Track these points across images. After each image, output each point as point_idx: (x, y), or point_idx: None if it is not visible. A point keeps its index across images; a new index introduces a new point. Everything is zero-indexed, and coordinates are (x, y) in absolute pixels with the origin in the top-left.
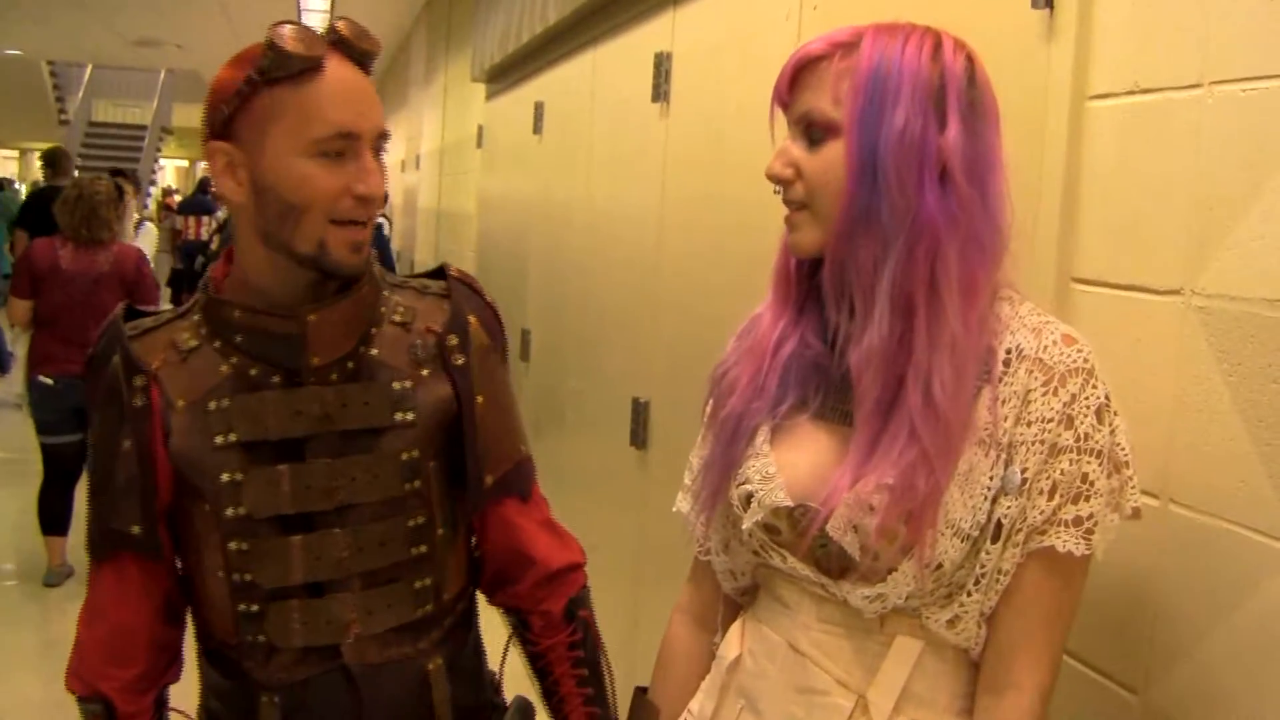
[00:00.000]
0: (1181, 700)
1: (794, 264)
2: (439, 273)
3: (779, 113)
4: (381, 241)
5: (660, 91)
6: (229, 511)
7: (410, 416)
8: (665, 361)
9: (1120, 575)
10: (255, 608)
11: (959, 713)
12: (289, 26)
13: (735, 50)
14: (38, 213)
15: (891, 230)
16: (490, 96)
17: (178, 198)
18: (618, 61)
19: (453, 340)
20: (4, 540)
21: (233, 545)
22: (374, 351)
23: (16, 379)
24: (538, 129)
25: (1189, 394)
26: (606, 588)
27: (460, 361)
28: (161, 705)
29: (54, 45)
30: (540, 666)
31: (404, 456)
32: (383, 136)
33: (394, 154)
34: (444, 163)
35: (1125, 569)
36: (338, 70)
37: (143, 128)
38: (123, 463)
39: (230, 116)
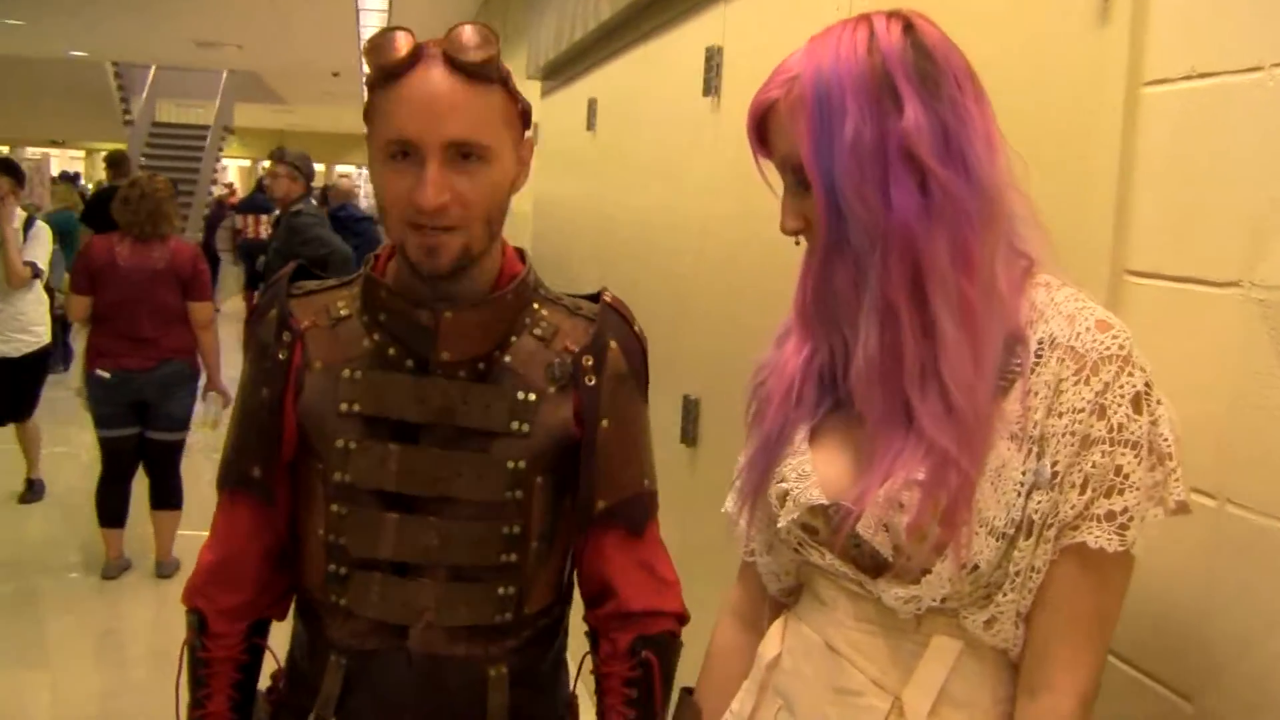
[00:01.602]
0: (1237, 708)
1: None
2: (596, 296)
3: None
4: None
5: (711, 85)
6: (337, 476)
7: (526, 428)
8: (716, 358)
9: (1174, 576)
10: (343, 570)
11: (1000, 716)
12: (384, 33)
13: (786, 43)
14: (101, 211)
15: (863, 250)
16: (545, 94)
17: (237, 197)
18: (669, 56)
19: (588, 361)
20: (67, 532)
21: (334, 508)
22: (508, 359)
23: (76, 374)
24: (591, 125)
25: (1247, 390)
26: None
27: (591, 382)
28: (255, 633)
29: (118, 47)
30: (599, 691)
31: (510, 465)
32: (459, 146)
33: None
34: None
35: (1179, 570)
36: (425, 77)
37: (205, 127)
38: (257, 409)
39: (366, 113)
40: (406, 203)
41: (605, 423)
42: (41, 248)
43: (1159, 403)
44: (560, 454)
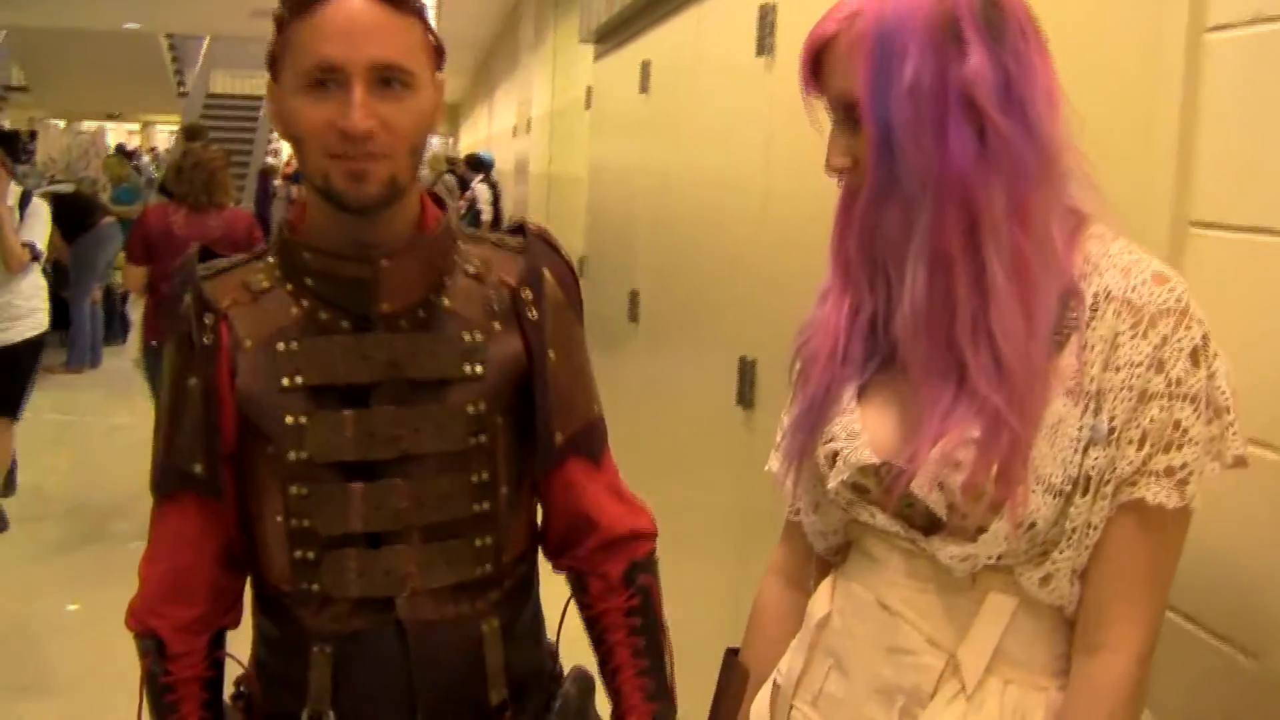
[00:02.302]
0: None
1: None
2: (518, 230)
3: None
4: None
5: (765, 45)
6: (291, 455)
7: (479, 369)
8: (773, 320)
9: (1237, 531)
10: (312, 555)
11: (1056, 673)
12: None
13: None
14: None
15: (914, 195)
16: (598, 57)
17: (293, 167)
18: (722, 15)
19: (527, 294)
20: (122, 502)
21: (293, 490)
22: (445, 301)
23: (134, 344)
24: (645, 88)
25: None
26: (710, 548)
27: (534, 316)
28: (215, 647)
29: (172, 18)
30: (596, 632)
31: (470, 410)
32: (381, 68)
33: (505, 120)
34: (554, 127)
35: (1242, 525)
36: (347, 5)
37: (259, 98)
38: (189, 401)
39: (271, 54)
40: (328, 130)
41: (552, 354)
42: (40, 227)
43: (1216, 356)
44: (515, 391)
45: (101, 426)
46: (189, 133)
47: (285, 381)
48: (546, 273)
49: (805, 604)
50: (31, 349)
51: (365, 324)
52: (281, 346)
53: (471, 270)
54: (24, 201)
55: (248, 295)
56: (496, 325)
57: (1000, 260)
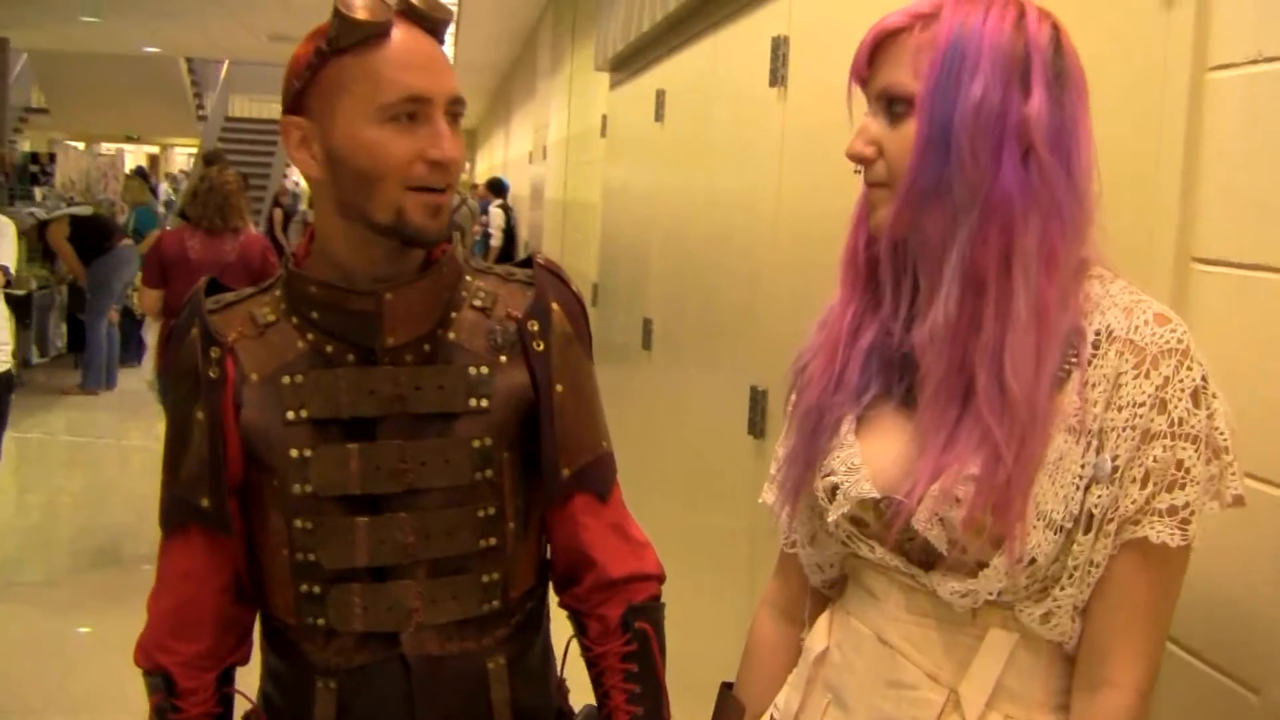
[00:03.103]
0: None
1: (863, 248)
2: (527, 262)
3: (856, 89)
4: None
5: (778, 76)
6: (296, 488)
7: (485, 403)
8: (784, 350)
9: (1240, 568)
10: (316, 589)
11: (1055, 709)
12: None
13: (851, 31)
14: None
15: (963, 205)
16: (614, 85)
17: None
18: (736, 46)
19: (534, 326)
20: (135, 524)
21: (298, 523)
22: (451, 335)
23: (149, 366)
24: (659, 117)
25: None
26: (719, 576)
27: (540, 348)
28: (224, 683)
29: (191, 42)
30: (594, 674)
31: (476, 444)
32: (456, 102)
33: (521, 145)
34: (569, 153)
35: (1245, 561)
36: (406, 37)
37: (277, 122)
38: (195, 434)
39: (301, 90)
40: (416, 161)
41: (559, 387)
42: (7, 246)
43: (1215, 396)
44: (521, 425)
45: (116, 448)
46: (208, 158)
47: (290, 415)
48: (554, 305)
49: (799, 637)
50: (4, 384)
51: (371, 357)
52: (287, 380)
53: (478, 303)
54: None
55: (254, 328)
56: (502, 358)
57: (1026, 295)
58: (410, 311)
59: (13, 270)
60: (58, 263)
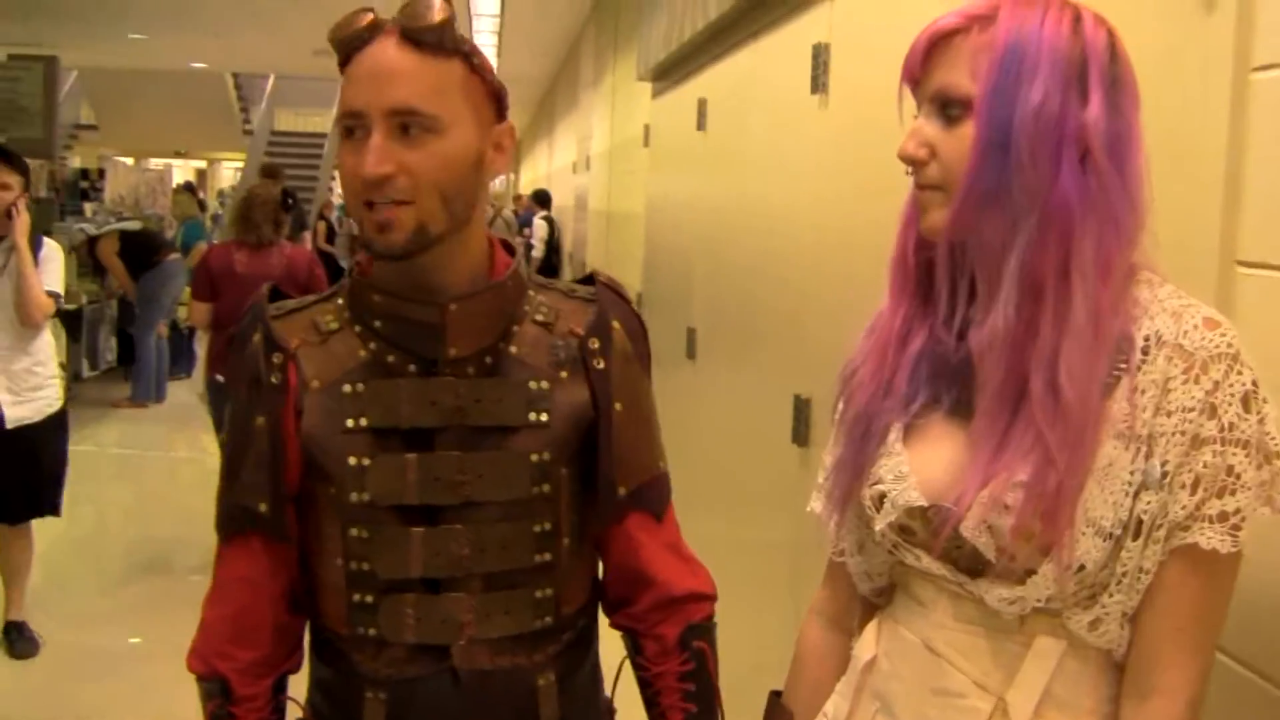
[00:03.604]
0: None
1: (913, 251)
2: (588, 280)
3: (907, 90)
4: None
5: (819, 83)
6: (353, 497)
7: (544, 418)
8: (827, 358)
9: None
10: (369, 598)
11: (1103, 717)
12: (349, 14)
13: (892, 38)
14: None
15: (1022, 209)
16: (656, 95)
17: None
18: (777, 54)
19: (594, 343)
20: (185, 535)
21: (353, 532)
22: (513, 349)
23: (199, 378)
24: (701, 125)
25: None
26: (766, 585)
27: (601, 366)
28: (279, 691)
29: (237, 58)
30: (649, 694)
31: (534, 458)
32: (399, 113)
33: (565, 156)
34: (613, 163)
35: None
36: (376, 49)
37: (323, 135)
38: (255, 440)
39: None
40: (354, 177)
41: (618, 406)
42: (57, 271)
43: (1265, 401)
44: (580, 441)
45: (165, 460)
46: (265, 171)
47: (350, 423)
48: (615, 323)
49: (848, 645)
50: (58, 426)
51: (432, 368)
52: (348, 388)
53: (540, 318)
54: (34, 245)
55: (316, 336)
56: (563, 374)
57: (1084, 301)
58: (473, 323)
59: (62, 295)
60: (107, 278)
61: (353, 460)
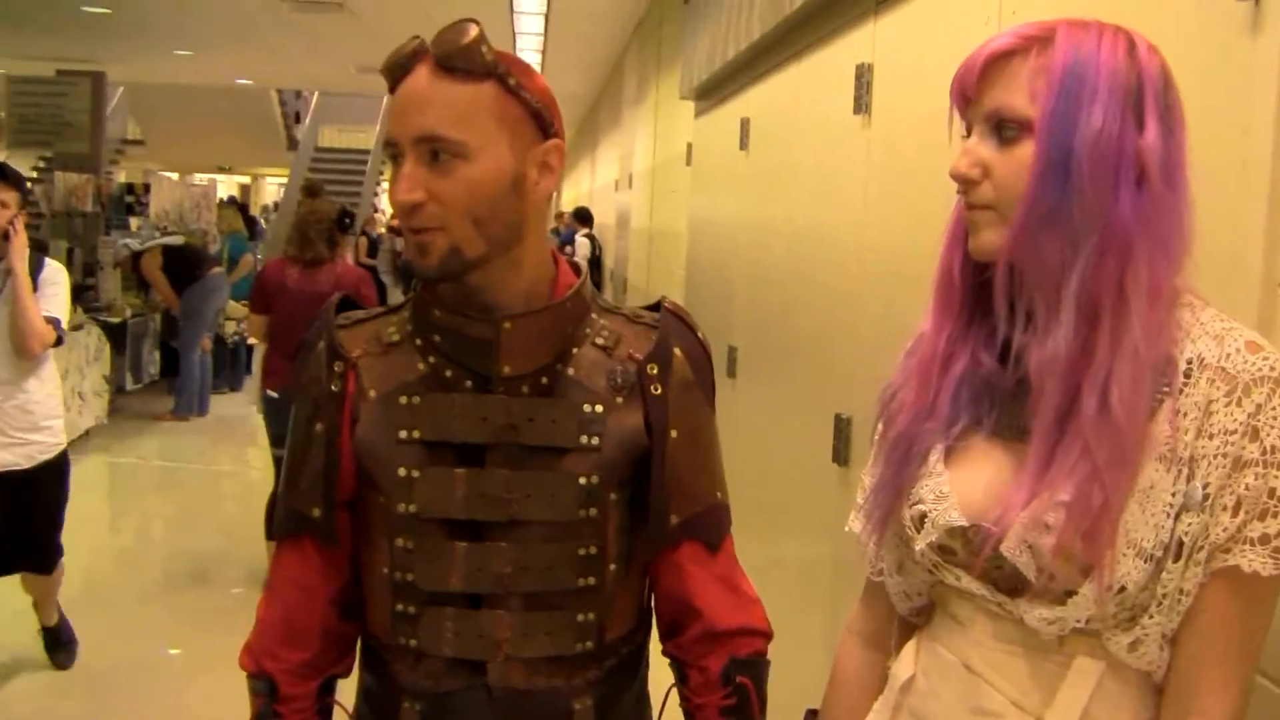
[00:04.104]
0: None
1: (959, 270)
2: (656, 306)
3: (956, 110)
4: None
5: (861, 103)
6: (400, 507)
7: (595, 441)
8: (868, 378)
9: None
10: (412, 609)
11: None
12: (403, 43)
13: (935, 58)
14: None
15: (1083, 232)
16: (699, 114)
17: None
18: (820, 74)
19: (653, 369)
20: (225, 548)
21: (399, 542)
22: (570, 371)
23: (253, 390)
24: (744, 145)
25: None
26: (805, 603)
27: (658, 391)
28: (325, 693)
29: (282, 74)
30: None
31: (583, 481)
32: (425, 140)
33: (607, 174)
34: (655, 181)
35: None
36: (413, 80)
37: (366, 152)
38: (313, 446)
39: None
40: (394, 203)
41: (674, 433)
42: (60, 298)
43: None
44: (632, 467)
45: (206, 473)
46: (308, 189)
47: (402, 434)
48: (677, 350)
49: (885, 665)
50: (55, 476)
51: (487, 385)
52: (403, 400)
53: (600, 342)
54: (35, 266)
55: (378, 347)
56: (619, 399)
57: (1139, 324)
58: (528, 342)
59: (64, 322)
60: (151, 292)
61: (403, 471)
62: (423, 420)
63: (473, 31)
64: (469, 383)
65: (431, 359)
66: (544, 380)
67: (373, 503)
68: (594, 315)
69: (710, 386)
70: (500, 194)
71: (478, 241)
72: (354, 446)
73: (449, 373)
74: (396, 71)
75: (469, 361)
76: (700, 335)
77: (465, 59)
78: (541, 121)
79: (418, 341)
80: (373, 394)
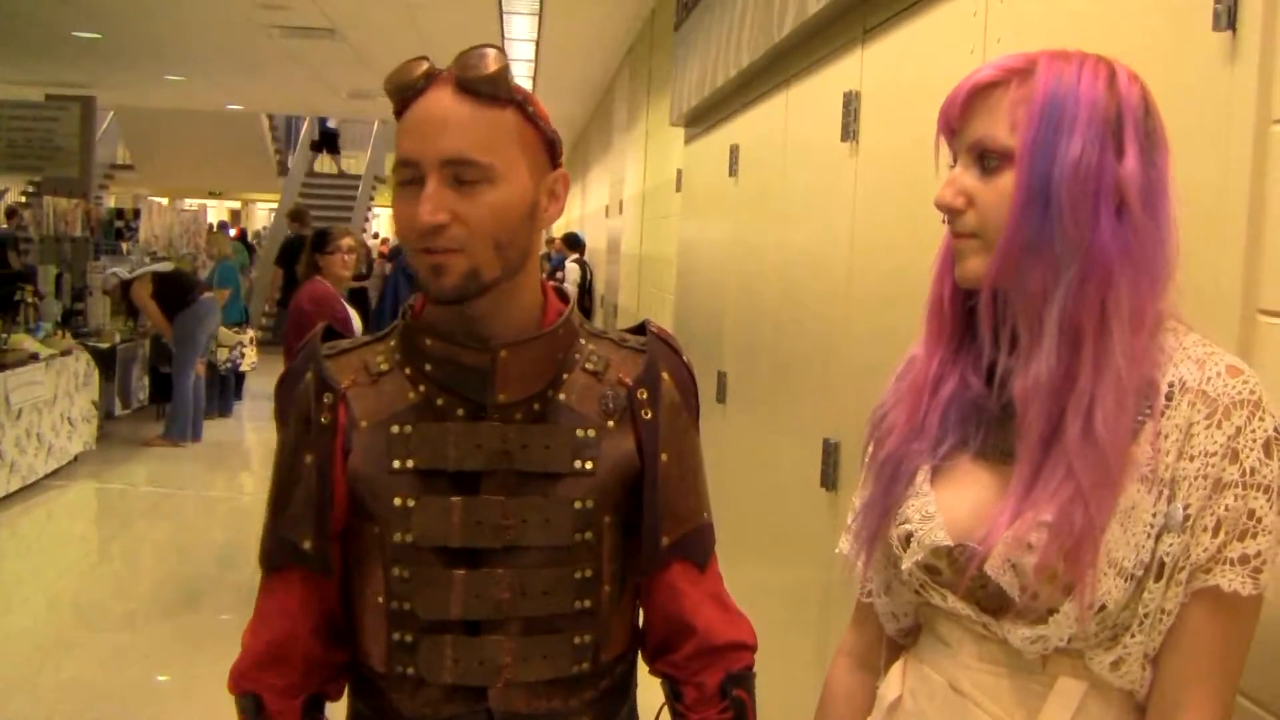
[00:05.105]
0: None
1: (949, 298)
2: (640, 329)
3: (943, 140)
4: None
5: (849, 130)
6: (396, 537)
7: (589, 465)
8: (856, 403)
9: None
10: (409, 638)
11: None
12: (404, 63)
13: (922, 86)
14: (291, 257)
15: (1064, 259)
16: (689, 140)
17: (388, 245)
18: (808, 102)
19: (643, 394)
20: (215, 574)
21: (395, 571)
22: (562, 396)
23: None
24: (733, 171)
25: None
26: (795, 628)
27: (648, 416)
28: (312, 709)
29: (272, 99)
30: None
31: (578, 505)
32: (453, 163)
33: (598, 199)
34: (645, 207)
35: None
36: (431, 99)
37: (357, 177)
38: (303, 477)
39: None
40: (406, 225)
41: (664, 456)
42: None
43: None
44: (624, 490)
45: (198, 499)
46: (293, 215)
47: (396, 464)
48: (664, 374)
49: (875, 686)
50: None
51: (480, 412)
52: (396, 429)
53: (590, 367)
54: None
55: (367, 376)
56: (610, 423)
57: (1121, 349)
58: (523, 370)
59: None
60: (141, 318)
61: (398, 501)
62: (417, 449)
63: (500, 58)
64: (461, 411)
65: (422, 388)
66: (536, 406)
67: (367, 533)
68: (582, 340)
69: (695, 408)
70: (521, 219)
71: (495, 265)
72: (347, 477)
73: (440, 401)
74: (409, 91)
75: (462, 389)
76: (685, 358)
77: (492, 85)
78: (553, 150)
79: (407, 370)
80: (364, 424)
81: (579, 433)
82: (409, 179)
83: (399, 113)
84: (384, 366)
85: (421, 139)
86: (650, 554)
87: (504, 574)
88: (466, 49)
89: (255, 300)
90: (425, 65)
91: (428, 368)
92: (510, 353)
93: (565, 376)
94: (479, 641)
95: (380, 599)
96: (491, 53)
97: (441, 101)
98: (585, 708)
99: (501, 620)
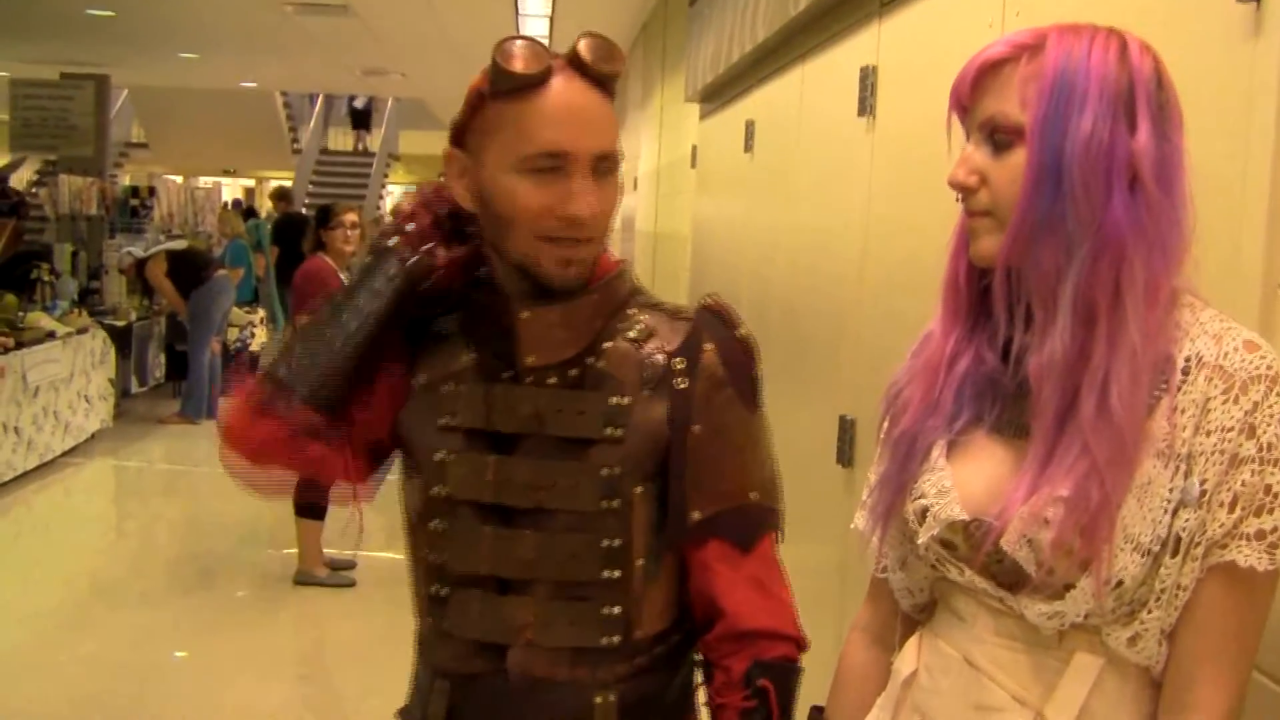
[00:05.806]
0: None
1: (964, 276)
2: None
3: (954, 117)
4: None
5: (866, 105)
6: (435, 490)
7: (619, 433)
8: (873, 379)
9: None
10: (444, 591)
11: None
12: (517, 43)
13: (939, 60)
14: (287, 234)
15: (1076, 237)
16: (703, 116)
17: None
18: (824, 76)
19: (679, 363)
20: (231, 551)
21: (433, 524)
22: (601, 364)
23: None
24: (748, 147)
25: None
26: (812, 605)
27: (682, 385)
28: None
29: (287, 77)
30: None
31: (605, 472)
32: (603, 158)
33: None
34: (660, 184)
35: None
36: (563, 88)
37: (371, 154)
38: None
39: (463, 125)
40: (547, 215)
41: (697, 428)
42: None
43: None
44: (657, 461)
45: (213, 476)
46: (280, 195)
47: (442, 421)
48: (708, 346)
49: (890, 661)
50: None
51: (519, 376)
52: (447, 388)
53: (633, 335)
54: None
55: (433, 339)
56: (646, 392)
57: (1135, 325)
58: (548, 333)
59: None
60: (156, 296)
61: (439, 455)
62: (462, 409)
63: (619, 50)
64: (506, 374)
65: (474, 350)
66: (573, 373)
67: (412, 485)
68: (632, 311)
69: (749, 384)
70: None
71: (598, 250)
72: (398, 427)
73: (490, 363)
74: (535, 80)
75: (499, 350)
76: (741, 333)
77: (615, 81)
78: None
79: (465, 334)
80: (423, 378)
81: (612, 400)
82: (549, 167)
83: (504, 93)
84: (449, 329)
85: (574, 132)
86: (678, 528)
87: (531, 535)
88: (588, 36)
89: (266, 281)
90: (552, 52)
91: (480, 330)
92: (533, 314)
93: (606, 345)
94: (505, 600)
95: (423, 551)
96: (613, 45)
97: (583, 93)
98: (612, 682)
99: (529, 581)
